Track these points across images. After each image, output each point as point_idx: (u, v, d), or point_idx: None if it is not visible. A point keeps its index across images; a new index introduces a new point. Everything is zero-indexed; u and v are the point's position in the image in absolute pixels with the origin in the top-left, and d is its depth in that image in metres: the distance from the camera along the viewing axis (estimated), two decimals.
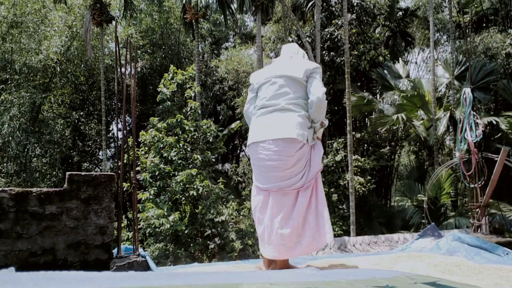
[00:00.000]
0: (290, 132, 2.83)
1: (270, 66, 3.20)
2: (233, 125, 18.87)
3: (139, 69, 19.68)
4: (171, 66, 13.55)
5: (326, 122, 3.01)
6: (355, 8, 17.84)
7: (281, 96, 2.96)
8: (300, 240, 2.77)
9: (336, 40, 17.51)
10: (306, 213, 2.81)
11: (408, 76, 16.65)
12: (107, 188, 2.77)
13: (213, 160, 12.88)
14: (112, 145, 21.60)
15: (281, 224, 2.78)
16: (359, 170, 15.74)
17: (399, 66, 16.50)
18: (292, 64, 3.07)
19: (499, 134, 13.33)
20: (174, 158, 11.73)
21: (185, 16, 17.06)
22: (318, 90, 2.90)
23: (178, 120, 12.05)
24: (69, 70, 18.70)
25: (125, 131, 3.21)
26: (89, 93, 21.13)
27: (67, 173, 2.75)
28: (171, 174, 11.70)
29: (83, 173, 2.77)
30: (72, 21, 18.47)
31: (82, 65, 19.33)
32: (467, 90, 4.56)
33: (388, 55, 17.96)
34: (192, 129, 12.29)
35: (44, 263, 2.58)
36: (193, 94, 12.97)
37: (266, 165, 2.89)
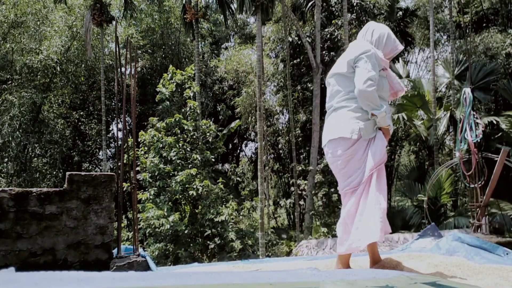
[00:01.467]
0: (335, 132, 2.80)
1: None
2: (232, 124, 18.86)
3: (139, 69, 19.69)
4: (170, 66, 13.56)
5: (377, 113, 2.72)
6: (355, 8, 17.84)
7: (334, 96, 2.92)
8: (347, 238, 2.78)
9: (336, 40, 17.50)
10: (355, 212, 2.76)
11: (408, 76, 16.65)
12: (107, 188, 2.77)
13: (213, 160, 12.88)
14: (112, 145, 21.60)
15: (339, 222, 2.85)
16: None
17: (399, 66, 16.50)
18: (342, 57, 2.96)
19: (499, 134, 13.33)
20: (173, 158, 11.73)
21: (185, 16, 17.06)
22: (358, 81, 2.72)
23: (177, 119, 12.05)
24: (69, 70, 18.70)
25: (125, 131, 3.21)
26: (89, 93, 21.13)
27: (67, 173, 2.75)
28: (170, 174, 11.70)
29: (83, 173, 2.77)
30: (73, 21, 18.47)
31: (82, 65, 19.34)
32: (467, 90, 4.56)
33: None
34: (191, 129, 12.29)
35: (44, 263, 2.58)
36: (191, 94, 12.98)
37: (330, 168, 2.97)
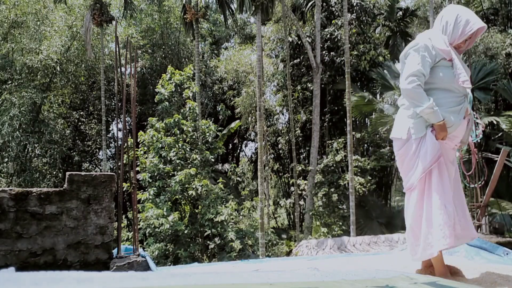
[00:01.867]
0: (392, 132, 2.83)
1: None
2: (232, 125, 18.87)
3: (139, 69, 19.69)
4: (169, 66, 13.57)
5: (419, 110, 2.59)
6: (355, 8, 17.84)
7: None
8: (419, 244, 2.65)
9: (336, 40, 17.51)
10: (420, 216, 2.63)
11: None
12: (107, 188, 2.77)
13: (212, 160, 12.87)
14: (112, 145, 21.61)
15: (406, 224, 2.77)
16: (359, 170, 15.74)
17: (399, 66, 16.48)
18: None
19: (499, 134, 13.34)
20: (173, 158, 11.74)
21: (185, 16, 17.06)
22: (401, 78, 2.69)
23: (176, 120, 12.05)
24: (69, 70, 18.70)
25: (125, 131, 3.21)
26: (89, 93, 21.14)
27: (67, 173, 2.75)
28: (170, 174, 11.70)
29: (83, 173, 2.77)
30: (73, 21, 18.48)
31: (82, 65, 19.34)
32: None
33: (388, 55, 17.96)
34: (190, 129, 12.29)
35: (44, 263, 2.58)
36: (191, 94, 12.98)
37: None
